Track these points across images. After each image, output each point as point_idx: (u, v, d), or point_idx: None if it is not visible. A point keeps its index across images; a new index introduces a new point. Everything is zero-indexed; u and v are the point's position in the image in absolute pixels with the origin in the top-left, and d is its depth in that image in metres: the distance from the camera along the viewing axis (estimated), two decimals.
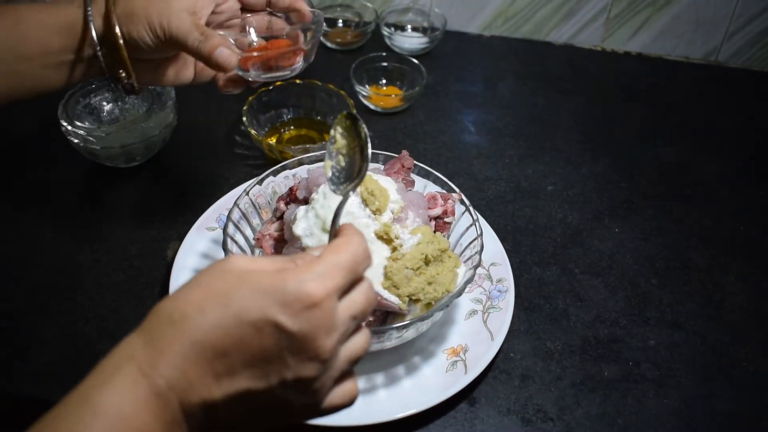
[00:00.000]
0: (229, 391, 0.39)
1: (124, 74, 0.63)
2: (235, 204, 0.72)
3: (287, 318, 0.39)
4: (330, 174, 0.53)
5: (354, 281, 0.43)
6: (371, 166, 0.74)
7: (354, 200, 0.65)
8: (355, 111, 0.73)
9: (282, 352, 0.39)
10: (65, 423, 0.37)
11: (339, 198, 0.51)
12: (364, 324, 0.47)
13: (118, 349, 0.40)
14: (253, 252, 0.73)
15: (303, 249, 0.64)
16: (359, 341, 0.44)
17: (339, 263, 0.42)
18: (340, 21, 1.19)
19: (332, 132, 0.53)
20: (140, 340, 0.40)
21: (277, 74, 0.70)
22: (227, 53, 0.62)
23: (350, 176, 0.52)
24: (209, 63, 0.62)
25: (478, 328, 0.72)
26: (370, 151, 0.51)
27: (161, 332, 0.39)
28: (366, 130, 0.52)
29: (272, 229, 0.72)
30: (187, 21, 0.61)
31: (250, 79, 0.69)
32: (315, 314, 0.39)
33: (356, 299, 0.43)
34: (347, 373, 0.45)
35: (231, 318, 0.39)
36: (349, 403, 0.44)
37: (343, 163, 0.53)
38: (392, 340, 0.66)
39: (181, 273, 0.74)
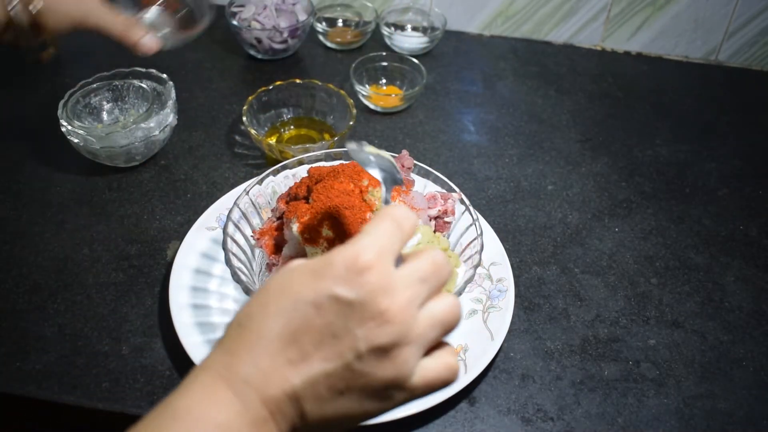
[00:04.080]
0: (307, 376, 0.39)
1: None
2: (235, 204, 0.72)
3: (341, 288, 0.39)
4: None
5: (405, 241, 0.42)
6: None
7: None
8: (354, 111, 0.73)
9: (347, 324, 0.39)
10: (146, 430, 0.39)
11: None
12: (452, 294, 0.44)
13: (197, 366, 0.41)
14: (252, 252, 0.73)
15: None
16: (443, 304, 0.41)
17: (382, 227, 0.41)
18: (340, 21, 1.19)
19: None
20: (216, 352, 0.41)
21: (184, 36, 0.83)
22: (150, 43, 0.78)
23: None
24: (134, 51, 0.77)
25: (478, 327, 0.72)
26: None
27: (232, 338, 0.41)
28: None
29: (272, 228, 0.72)
30: (108, 14, 0.75)
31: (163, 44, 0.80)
32: (369, 277, 0.39)
33: (418, 264, 0.41)
34: (439, 344, 0.42)
35: (290, 304, 0.39)
36: (447, 377, 0.42)
37: None
38: None
39: (181, 273, 0.74)
